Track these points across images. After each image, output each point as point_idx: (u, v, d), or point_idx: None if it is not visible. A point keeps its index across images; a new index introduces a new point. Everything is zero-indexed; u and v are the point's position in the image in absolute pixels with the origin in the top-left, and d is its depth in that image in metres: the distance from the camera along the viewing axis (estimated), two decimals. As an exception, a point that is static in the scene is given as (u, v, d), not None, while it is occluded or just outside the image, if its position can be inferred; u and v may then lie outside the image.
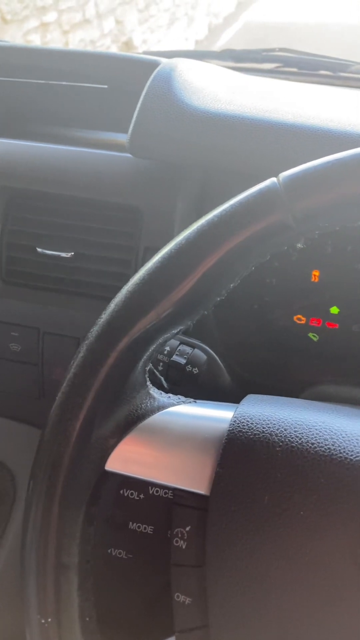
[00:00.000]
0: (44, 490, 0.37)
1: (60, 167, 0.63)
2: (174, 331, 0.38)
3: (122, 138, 0.66)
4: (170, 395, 0.41)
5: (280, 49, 1.09)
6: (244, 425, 0.37)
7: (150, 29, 4.76)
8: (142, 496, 0.45)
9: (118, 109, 0.74)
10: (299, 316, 0.70)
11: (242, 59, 1.09)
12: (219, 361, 0.53)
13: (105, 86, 0.74)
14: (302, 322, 0.69)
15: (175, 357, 0.50)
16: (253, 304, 0.67)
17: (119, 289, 0.38)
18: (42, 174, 0.63)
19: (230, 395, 0.47)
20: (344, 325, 0.68)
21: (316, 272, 0.69)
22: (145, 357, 0.38)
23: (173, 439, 0.38)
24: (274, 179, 0.36)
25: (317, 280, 0.69)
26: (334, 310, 0.66)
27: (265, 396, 0.41)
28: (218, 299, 0.38)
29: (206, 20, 5.93)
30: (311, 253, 0.67)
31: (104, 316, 0.37)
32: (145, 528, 0.46)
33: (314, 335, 0.66)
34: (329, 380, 0.62)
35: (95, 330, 0.37)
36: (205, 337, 0.57)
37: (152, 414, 0.39)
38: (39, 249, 0.64)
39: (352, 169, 0.35)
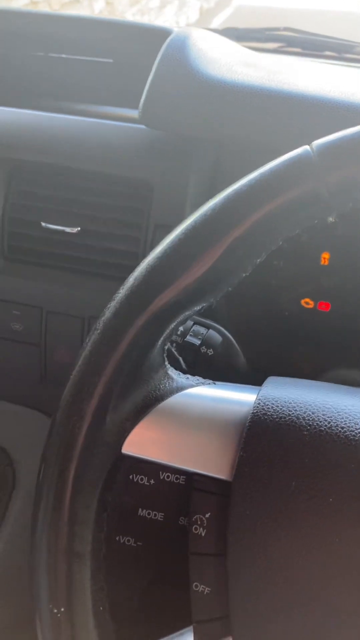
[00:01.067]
0: (56, 473, 0.35)
1: (66, 138, 0.60)
2: (196, 308, 0.36)
3: (132, 113, 0.64)
4: (189, 376, 0.39)
5: (285, 28, 1.07)
6: (268, 408, 0.35)
7: (141, 11, 4.69)
8: (152, 482, 0.43)
9: (127, 84, 0.71)
10: (306, 300, 0.68)
11: (245, 38, 1.06)
12: (234, 342, 0.51)
13: (111, 60, 0.71)
14: (310, 306, 0.68)
15: (189, 338, 0.48)
16: (259, 287, 0.66)
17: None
18: (48, 145, 0.61)
19: (246, 378, 0.45)
20: (352, 310, 0.66)
21: (326, 255, 0.67)
22: (164, 335, 0.36)
23: (193, 422, 0.36)
24: (307, 147, 0.34)
25: (326, 263, 0.67)
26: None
27: (288, 378, 0.39)
28: (244, 274, 0.36)
29: (197, 4, 5.85)
30: (321, 235, 0.65)
31: (122, 291, 0.35)
32: (155, 515, 0.44)
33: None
34: (340, 364, 0.60)
35: (112, 305, 0.35)
36: (216, 320, 0.55)
37: (171, 395, 0.37)
38: (43, 224, 0.61)
39: None
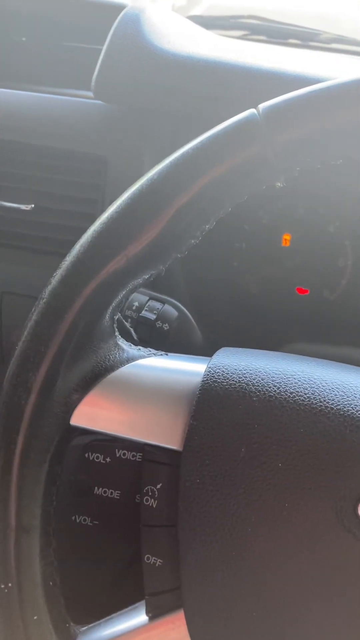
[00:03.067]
0: (2, 446, 0.34)
1: (18, 113, 0.59)
2: (145, 276, 0.35)
3: (89, 93, 0.63)
4: (140, 347, 0.38)
5: (249, 16, 1.07)
6: (218, 376, 0.35)
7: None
8: (108, 459, 0.43)
9: (84, 67, 0.70)
10: (269, 281, 0.68)
11: (210, 26, 1.05)
12: (191, 318, 0.50)
13: (73, 43, 0.70)
14: (273, 287, 0.68)
15: (144, 313, 0.48)
16: (221, 269, 0.65)
17: None
18: None
19: (202, 352, 0.45)
20: (315, 291, 0.66)
21: (287, 236, 0.67)
22: (113, 304, 0.35)
23: (143, 393, 0.36)
24: (253, 110, 0.33)
25: (288, 244, 0.67)
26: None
27: (239, 348, 0.39)
28: (193, 241, 0.35)
29: (170, 2, 5.84)
30: (282, 216, 0.65)
31: (68, 258, 0.34)
32: (111, 493, 0.43)
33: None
34: (302, 339, 0.60)
35: (58, 273, 0.34)
36: (175, 298, 0.54)
37: (121, 366, 0.36)
38: None
39: (337, 98, 0.32)
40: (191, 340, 0.52)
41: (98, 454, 0.42)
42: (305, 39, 1.03)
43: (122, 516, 0.43)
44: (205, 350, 0.52)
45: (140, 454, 0.42)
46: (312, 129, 0.32)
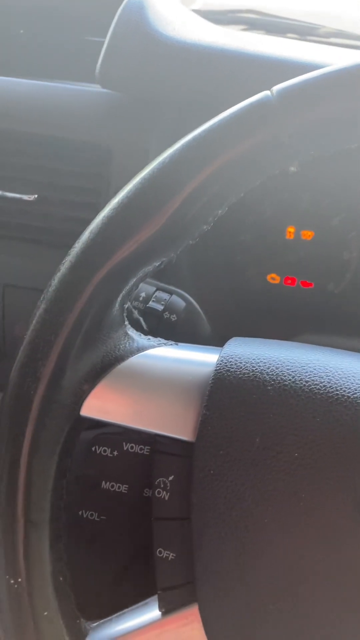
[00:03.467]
0: (10, 438, 0.33)
1: (21, 102, 0.58)
2: (156, 263, 0.34)
3: (89, 85, 0.62)
4: (150, 337, 0.37)
5: (248, 10, 1.06)
6: (231, 365, 0.34)
7: (107, 6, 4.65)
8: (115, 453, 0.42)
9: (84, 60, 0.69)
10: (272, 275, 0.68)
11: (208, 20, 1.05)
12: (199, 309, 0.50)
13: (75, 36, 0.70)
14: (276, 281, 0.67)
15: (151, 304, 0.47)
16: (225, 262, 0.65)
17: None
18: (1, 109, 0.58)
19: (210, 344, 0.44)
20: (319, 284, 0.66)
21: (291, 229, 0.66)
22: (124, 292, 0.34)
23: (154, 383, 0.35)
24: (267, 92, 0.33)
25: (292, 237, 0.67)
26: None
27: (251, 338, 0.38)
28: (205, 227, 0.34)
29: None
30: (286, 208, 0.65)
31: (78, 245, 0.34)
32: (119, 487, 0.43)
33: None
34: (307, 332, 0.60)
35: (68, 260, 0.33)
36: (181, 290, 0.54)
37: (131, 356, 0.35)
38: None
39: (350, 80, 0.32)
40: (199, 332, 0.51)
41: (105, 448, 0.42)
42: (304, 33, 1.02)
43: (130, 510, 0.42)
44: (213, 341, 0.51)
45: (148, 447, 0.42)
46: (325, 111, 0.32)
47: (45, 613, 0.33)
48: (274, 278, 0.67)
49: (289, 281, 0.67)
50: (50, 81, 0.64)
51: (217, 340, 0.54)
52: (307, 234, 0.65)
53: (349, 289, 0.64)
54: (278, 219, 0.65)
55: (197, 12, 1.08)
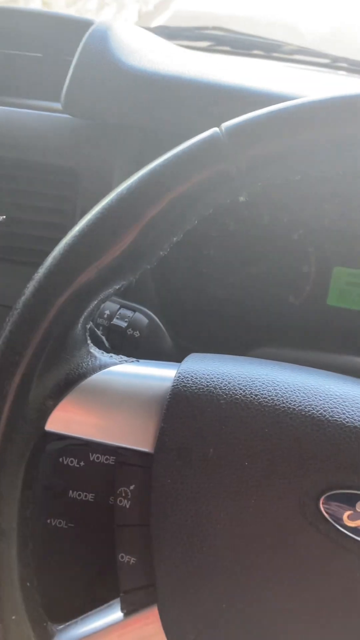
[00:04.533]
0: None
1: None
2: (116, 286, 0.37)
3: (58, 105, 0.64)
4: (112, 354, 0.40)
5: (214, 27, 1.09)
6: (187, 381, 0.37)
7: (79, 12, 4.65)
8: (82, 463, 0.44)
9: (54, 78, 0.71)
10: (235, 288, 0.70)
11: (175, 37, 1.08)
12: (161, 325, 0.52)
13: (40, 54, 0.72)
14: (239, 294, 0.70)
15: (115, 321, 0.49)
16: (190, 275, 0.67)
17: None
18: None
19: (172, 359, 0.46)
20: (281, 296, 0.68)
21: (254, 243, 0.69)
22: (86, 313, 0.36)
23: (115, 398, 0.37)
24: (216, 129, 0.35)
25: (254, 251, 0.69)
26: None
27: (208, 354, 0.41)
28: (161, 253, 0.37)
29: (136, 6, 5.85)
30: (249, 224, 0.67)
31: (41, 270, 0.36)
32: (85, 496, 0.44)
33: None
34: (269, 343, 0.62)
35: (32, 284, 0.36)
36: (145, 305, 0.56)
37: (93, 373, 0.37)
38: None
39: (295, 118, 0.35)
40: (161, 347, 0.54)
41: (72, 458, 0.43)
42: (268, 50, 1.06)
43: (96, 518, 0.44)
44: (175, 356, 0.54)
45: (114, 458, 0.44)
46: (271, 148, 0.35)
47: (13, 617, 0.35)
48: (237, 291, 0.70)
49: (251, 294, 0.69)
50: (14, 99, 0.66)
51: (178, 354, 0.56)
52: (269, 249, 0.68)
53: (308, 300, 0.67)
54: (241, 233, 0.68)
55: (165, 28, 1.11)
